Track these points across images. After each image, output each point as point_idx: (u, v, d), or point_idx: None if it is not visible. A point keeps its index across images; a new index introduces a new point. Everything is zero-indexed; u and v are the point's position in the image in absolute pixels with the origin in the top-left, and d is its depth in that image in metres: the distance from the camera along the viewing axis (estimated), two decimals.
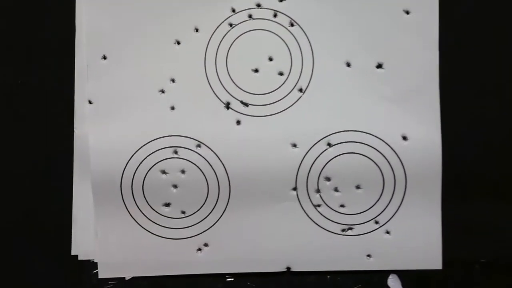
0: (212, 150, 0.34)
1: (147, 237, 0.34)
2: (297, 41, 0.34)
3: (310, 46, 0.34)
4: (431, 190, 0.34)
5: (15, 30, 0.35)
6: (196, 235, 0.34)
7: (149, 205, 0.34)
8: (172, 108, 0.34)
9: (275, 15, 0.34)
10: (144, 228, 0.34)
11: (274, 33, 0.34)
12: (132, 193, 0.34)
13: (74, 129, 0.34)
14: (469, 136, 0.34)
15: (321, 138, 0.34)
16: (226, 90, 0.34)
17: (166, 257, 0.34)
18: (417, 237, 0.34)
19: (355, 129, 0.34)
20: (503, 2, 0.34)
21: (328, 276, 0.34)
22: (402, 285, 0.34)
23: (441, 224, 0.34)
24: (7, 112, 0.35)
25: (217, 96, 0.34)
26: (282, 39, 0.34)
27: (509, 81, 0.34)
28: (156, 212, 0.34)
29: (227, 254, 0.34)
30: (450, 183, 0.34)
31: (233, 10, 0.34)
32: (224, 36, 0.34)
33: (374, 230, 0.34)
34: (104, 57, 0.34)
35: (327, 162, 0.34)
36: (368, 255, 0.34)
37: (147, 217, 0.34)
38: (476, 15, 0.34)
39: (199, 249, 0.34)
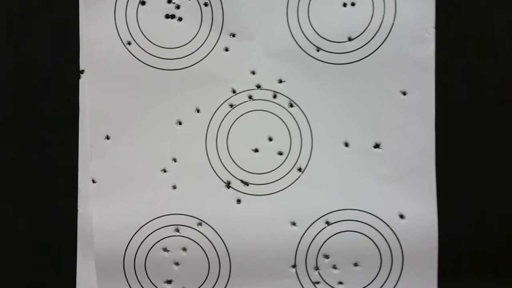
0: (213, 228, 0.35)
1: None
2: (296, 121, 0.35)
3: (309, 126, 0.35)
4: (428, 267, 0.34)
5: (19, 109, 0.36)
6: None
7: (151, 282, 0.35)
8: (174, 187, 0.35)
9: (274, 96, 0.35)
10: None
11: (274, 114, 0.35)
12: (135, 271, 0.35)
13: (78, 208, 0.35)
14: (465, 214, 0.35)
15: (319, 216, 0.35)
16: (227, 170, 0.35)
17: None
18: None
19: (353, 208, 0.35)
20: (498, 82, 0.35)
21: None
22: None
23: None
24: (12, 190, 0.36)
25: (217, 175, 0.35)
26: (281, 120, 0.35)
27: (503, 161, 0.35)
28: None
29: None
30: (446, 261, 0.34)
31: (234, 91, 0.35)
32: (224, 117, 0.35)
33: None
34: (107, 137, 0.35)
35: (326, 240, 0.35)
36: None
37: None
38: (472, 96, 0.35)
39: None
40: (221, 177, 0.35)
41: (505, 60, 0.35)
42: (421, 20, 0.34)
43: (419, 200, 0.34)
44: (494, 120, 0.35)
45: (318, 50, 0.35)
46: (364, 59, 0.35)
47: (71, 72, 0.35)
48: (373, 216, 0.35)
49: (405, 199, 0.34)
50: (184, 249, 0.35)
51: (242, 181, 0.35)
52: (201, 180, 0.35)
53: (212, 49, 0.35)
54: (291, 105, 0.35)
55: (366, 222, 0.35)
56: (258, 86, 0.35)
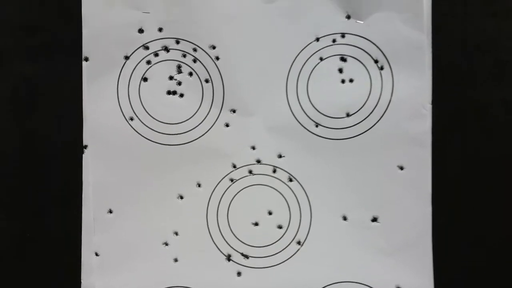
0: None
1: None
2: (295, 195, 0.36)
3: (308, 200, 0.36)
4: None
5: (23, 183, 0.36)
6: None
7: None
8: (175, 260, 0.36)
9: (274, 171, 0.36)
10: None
11: (274, 188, 0.36)
12: None
13: (81, 280, 0.36)
14: (461, 287, 0.35)
15: None
16: (227, 243, 0.36)
17: None
18: None
19: (351, 280, 0.35)
20: (494, 158, 0.35)
21: None
22: None
23: None
24: (15, 263, 0.36)
25: (218, 248, 0.36)
26: (281, 194, 0.36)
27: (500, 235, 0.35)
28: None
29: None
30: None
31: (234, 166, 0.36)
32: (225, 191, 0.36)
33: None
34: (110, 211, 0.36)
35: None
36: None
37: None
38: (468, 171, 0.35)
39: None
40: (221, 250, 0.36)
41: (501, 135, 0.35)
42: (418, 96, 0.35)
43: (416, 273, 0.35)
44: (490, 195, 0.35)
45: (317, 126, 0.35)
46: (362, 134, 0.35)
47: (75, 147, 0.36)
48: None
49: (403, 271, 0.35)
50: None
51: (242, 254, 0.36)
52: (202, 253, 0.36)
53: (213, 124, 0.36)
54: (291, 180, 0.36)
55: None
56: (258, 161, 0.36)
